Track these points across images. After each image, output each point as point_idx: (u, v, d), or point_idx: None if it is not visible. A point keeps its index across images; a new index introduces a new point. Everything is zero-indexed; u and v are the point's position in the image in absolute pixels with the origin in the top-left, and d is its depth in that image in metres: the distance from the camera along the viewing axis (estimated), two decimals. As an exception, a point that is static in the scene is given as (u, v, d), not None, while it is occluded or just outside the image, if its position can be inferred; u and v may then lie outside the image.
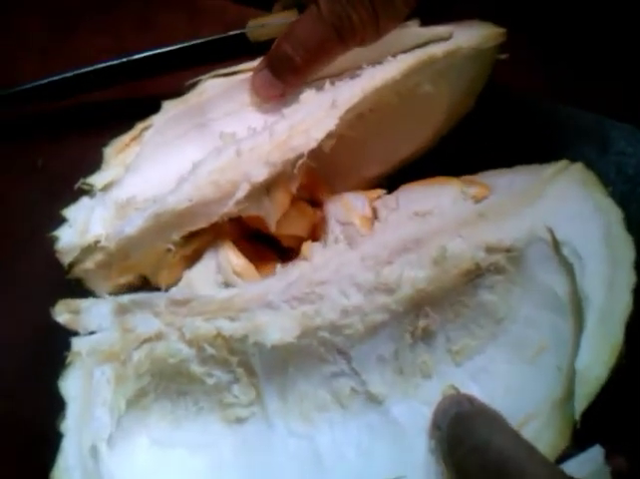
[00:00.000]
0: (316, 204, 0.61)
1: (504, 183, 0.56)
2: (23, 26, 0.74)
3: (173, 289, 0.52)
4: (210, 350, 0.50)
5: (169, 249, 0.52)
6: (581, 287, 0.47)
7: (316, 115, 0.51)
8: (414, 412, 0.50)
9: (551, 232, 0.50)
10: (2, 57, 0.72)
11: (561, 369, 0.47)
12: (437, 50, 0.55)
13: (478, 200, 0.54)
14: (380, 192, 0.59)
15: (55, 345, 0.50)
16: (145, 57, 0.63)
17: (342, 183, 0.62)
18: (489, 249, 0.50)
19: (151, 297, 0.51)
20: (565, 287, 0.49)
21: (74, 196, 0.54)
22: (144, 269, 0.53)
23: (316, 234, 0.58)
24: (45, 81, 0.63)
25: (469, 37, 0.56)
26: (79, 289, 0.54)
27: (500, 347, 0.51)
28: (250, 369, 0.51)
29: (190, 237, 0.53)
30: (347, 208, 0.56)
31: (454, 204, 0.54)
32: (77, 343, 0.50)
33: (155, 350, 0.49)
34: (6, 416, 0.58)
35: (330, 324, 0.50)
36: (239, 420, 0.52)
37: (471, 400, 0.47)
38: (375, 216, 0.56)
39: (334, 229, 0.55)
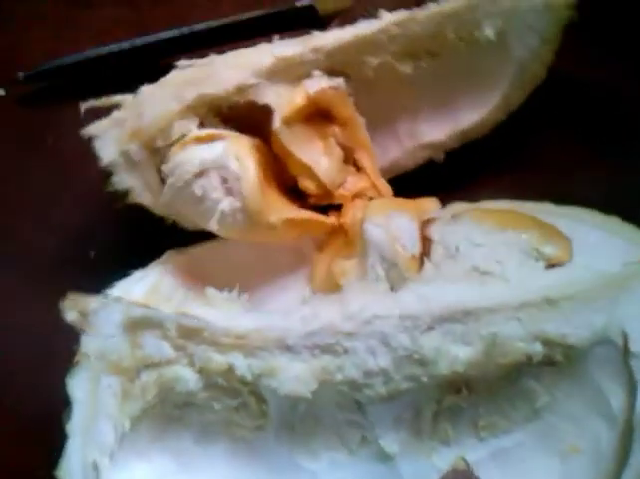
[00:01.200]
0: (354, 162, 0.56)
1: (590, 243, 0.47)
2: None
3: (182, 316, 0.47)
4: (221, 381, 0.47)
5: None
6: (638, 415, 0.41)
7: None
8: (422, 476, 0.48)
9: (626, 339, 0.42)
10: (18, 33, 0.68)
11: (589, 493, 0.43)
12: None
13: (552, 265, 0.46)
14: (431, 205, 0.50)
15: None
16: (202, 29, 0.54)
17: (396, 145, 0.58)
18: (548, 343, 0.43)
19: (162, 318, 0.46)
20: (622, 403, 0.43)
21: (83, 175, 0.56)
22: (154, 135, 0.51)
23: (348, 243, 0.52)
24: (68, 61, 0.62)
25: None
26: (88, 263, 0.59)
27: (532, 434, 0.46)
28: (260, 397, 0.49)
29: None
30: (393, 241, 0.48)
31: (522, 265, 0.46)
32: (86, 344, 0.47)
33: (163, 376, 0.46)
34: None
35: (350, 382, 0.46)
36: (245, 441, 0.50)
37: None
38: (426, 249, 0.49)
39: (375, 265, 0.48)
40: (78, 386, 0.47)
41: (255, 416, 0.49)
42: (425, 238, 0.49)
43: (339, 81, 0.52)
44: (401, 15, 0.51)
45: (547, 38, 0.54)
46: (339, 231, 0.53)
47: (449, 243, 0.48)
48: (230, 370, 0.46)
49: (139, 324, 0.47)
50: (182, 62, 0.52)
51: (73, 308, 0.47)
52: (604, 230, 0.48)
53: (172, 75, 0.52)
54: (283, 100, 0.49)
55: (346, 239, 0.52)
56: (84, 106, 0.52)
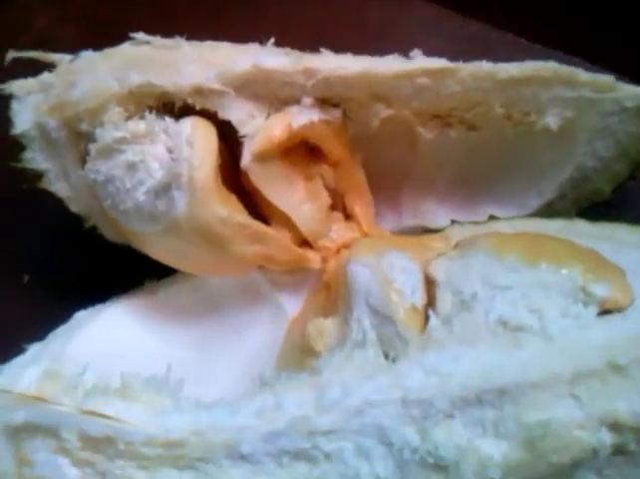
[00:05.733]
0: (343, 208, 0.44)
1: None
2: None
3: (87, 419, 0.32)
4: (149, 507, 0.32)
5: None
6: None
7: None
8: None
9: None
10: None
11: None
12: (581, 73, 0.39)
13: (606, 310, 0.33)
14: (442, 244, 0.37)
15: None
16: None
17: (394, 218, 0.46)
18: (617, 428, 0.30)
19: (56, 422, 0.32)
20: None
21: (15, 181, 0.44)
22: (80, 116, 0.40)
23: (330, 302, 0.38)
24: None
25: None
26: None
27: None
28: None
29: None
30: (385, 285, 0.34)
31: (565, 314, 0.32)
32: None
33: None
34: None
35: (338, 499, 0.32)
36: None
37: None
38: (430, 297, 0.35)
39: (361, 317, 0.34)
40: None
41: None
42: (428, 281, 0.36)
43: (334, 113, 0.40)
44: (440, 63, 0.38)
45: (628, 152, 0.41)
46: (320, 289, 0.41)
47: (460, 286, 0.34)
48: (161, 494, 0.32)
49: (23, 430, 0.32)
50: (140, 35, 0.40)
51: None
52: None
53: (123, 47, 0.40)
54: (256, 127, 0.39)
55: (328, 298, 0.39)
56: (11, 55, 0.42)
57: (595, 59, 0.51)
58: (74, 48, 0.44)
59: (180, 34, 0.42)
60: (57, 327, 0.43)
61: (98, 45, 0.43)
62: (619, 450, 0.31)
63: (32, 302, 0.51)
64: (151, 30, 0.44)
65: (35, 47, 0.45)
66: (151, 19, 0.58)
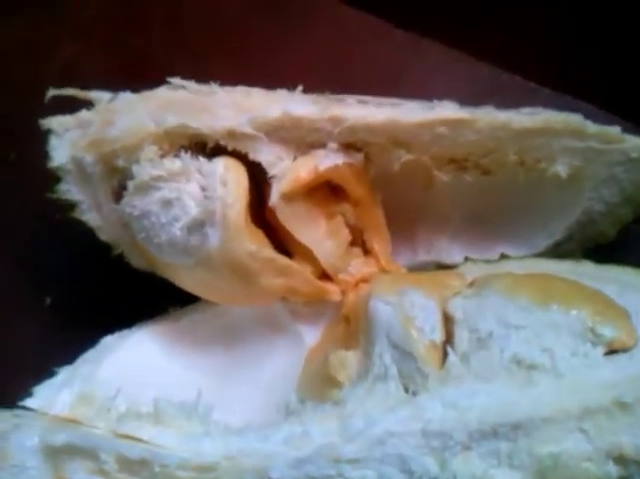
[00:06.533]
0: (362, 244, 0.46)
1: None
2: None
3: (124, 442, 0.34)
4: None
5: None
6: None
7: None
8: None
9: None
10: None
11: None
12: (589, 125, 0.41)
13: (612, 350, 0.35)
14: (457, 282, 0.39)
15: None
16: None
17: (409, 254, 0.49)
18: (622, 461, 0.32)
19: (95, 444, 0.33)
20: None
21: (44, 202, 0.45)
22: (117, 152, 0.42)
23: (350, 334, 0.40)
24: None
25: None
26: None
27: None
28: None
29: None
30: (406, 322, 0.36)
31: (575, 353, 0.35)
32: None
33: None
34: None
35: (360, 524, 0.33)
36: None
37: None
38: (448, 333, 0.37)
39: (383, 352, 0.37)
40: None
41: None
42: (446, 318, 0.38)
43: (357, 157, 0.42)
44: (457, 113, 0.41)
45: (632, 198, 0.44)
46: (338, 320, 0.42)
47: (476, 325, 0.37)
48: (194, 515, 0.34)
49: (62, 452, 0.34)
50: (176, 80, 0.42)
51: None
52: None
53: (160, 91, 0.43)
54: (284, 168, 0.41)
55: (347, 330, 0.41)
56: (51, 93, 0.44)
57: (604, 102, 0.53)
58: (98, 77, 0.47)
59: (205, 67, 0.44)
60: (83, 351, 0.45)
61: (122, 74, 0.46)
62: (623, 480, 0.34)
63: (54, 326, 0.52)
64: (174, 61, 0.46)
65: (60, 76, 0.47)
66: (175, 50, 0.60)
